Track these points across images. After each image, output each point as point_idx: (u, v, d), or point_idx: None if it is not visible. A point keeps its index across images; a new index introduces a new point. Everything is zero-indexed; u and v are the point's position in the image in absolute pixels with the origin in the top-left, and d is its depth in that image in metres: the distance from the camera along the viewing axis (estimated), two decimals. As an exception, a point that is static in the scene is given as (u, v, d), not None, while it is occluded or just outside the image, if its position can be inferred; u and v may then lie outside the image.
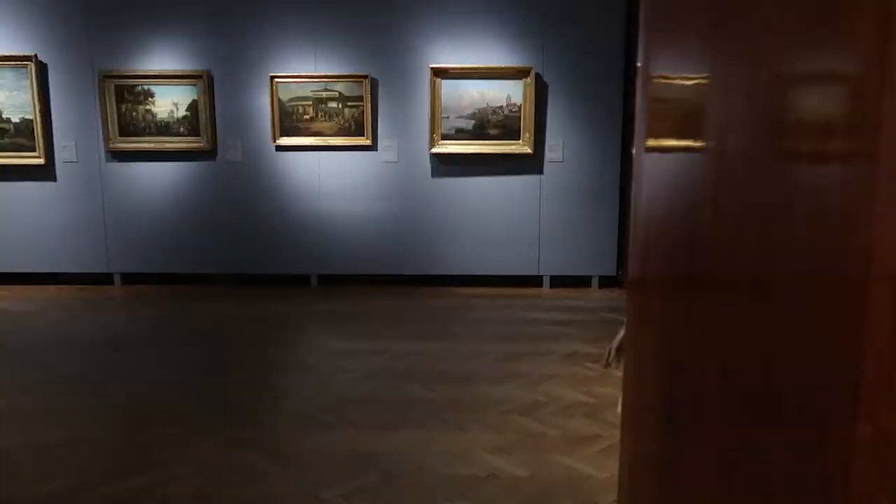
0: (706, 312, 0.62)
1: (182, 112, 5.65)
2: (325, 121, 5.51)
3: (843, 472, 0.37)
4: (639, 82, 0.97)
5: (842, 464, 0.37)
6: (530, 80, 5.33)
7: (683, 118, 0.75)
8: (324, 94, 5.52)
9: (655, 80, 0.90)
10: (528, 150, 5.42)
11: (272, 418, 3.19)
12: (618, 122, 5.50)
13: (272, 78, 5.50)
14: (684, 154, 0.73)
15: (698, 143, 0.68)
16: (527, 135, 5.41)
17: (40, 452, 2.88)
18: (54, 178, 5.78)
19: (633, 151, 0.97)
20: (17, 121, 5.65)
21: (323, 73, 5.48)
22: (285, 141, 5.58)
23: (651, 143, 0.90)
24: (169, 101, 5.64)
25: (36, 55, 5.54)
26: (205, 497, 2.51)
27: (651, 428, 0.91)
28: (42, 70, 5.60)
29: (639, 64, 0.96)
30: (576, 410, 3.22)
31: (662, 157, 0.84)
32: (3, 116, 5.65)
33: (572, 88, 5.43)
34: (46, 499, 2.49)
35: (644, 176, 0.92)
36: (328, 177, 5.62)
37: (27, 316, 5.07)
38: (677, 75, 0.79)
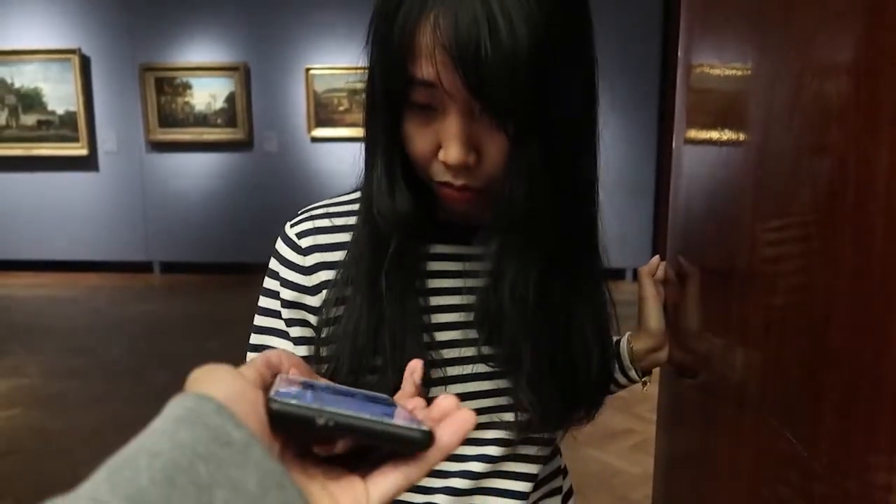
0: (746, 309, 0.61)
1: (220, 104, 5.73)
2: (360, 112, 5.52)
3: (886, 488, 0.36)
4: (679, 72, 0.95)
5: (883, 487, 0.36)
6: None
7: (725, 109, 0.73)
8: (359, 86, 5.53)
9: (696, 70, 0.88)
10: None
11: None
12: (654, 113, 5.41)
13: (307, 70, 5.54)
14: (726, 146, 0.71)
15: (740, 136, 0.66)
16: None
17: (85, 435, 2.97)
18: (97, 169, 5.92)
19: (674, 144, 0.96)
20: (62, 113, 5.80)
21: (358, 65, 5.48)
22: (320, 132, 5.63)
23: (691, 134, 0.88)
24: (207, 93, 5.73)
25: (80, 49, 5.68)
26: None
27: (688, 424, 0.90)
28: (85, 63, 5.74)
29: (679, 53, 0.94)
30: (608, 404, 3.19)
31: (702, 149, 0.82)
32: (49, 108, 5.81)
33: (607, 78, 5.34)
34: (90, 480, 2.57)
35: (683, 168, 0.90)
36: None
37: (71, 303, 5.22)
38: (719, 65, 0.77)
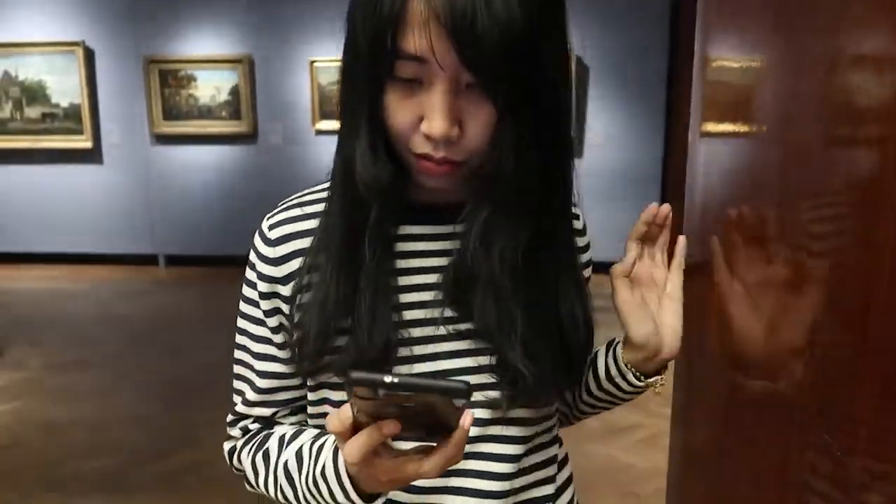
0: (766, 307, 0.60)
1: (224, 96, 5.72)
2: (364, 105, 5.50)
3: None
4: (695, 65, 0.93)
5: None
6: (571, 64, 5.23)
7: (745, 102, 0.72)
8: (363, 79, 5.51)
9: (713, 63, 0.86)
10: (568, 134, 5.34)
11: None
12: (661, 106, 5.38)
13: (312, 62, 5.52)
14: (747, 139, 0.70)
15: (763, 128, 0.65)
16: (567, 119, 5.33)
17: (91, 428, 2.98)
18: (101, 162, 5.92)
19: (689, 138, 0.94)
20: (66, 105, 5.79)
21: (362, 57, 5.47)
22: (325, 125, 5.61)
23: (708, 128, 0.87)
24: (211, 86, 5.72)
25: (84, 41, 5.66)
26: (247, 475, 2.56)
27: (705, 419, 0.89)
28: (89, 56, 5.72)
29: (695, 45, 0.93)
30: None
31: (721, 143, 0.81)
32: (53, 101, 5.80)
33: (614, 72, 5.32)
34: (95, 473, 2.57)
35: (700, 162, 0.89)
36: (367, 161, 5.62)
37: (77, 295, 5.23)
38: (738, 56, 0.76)
